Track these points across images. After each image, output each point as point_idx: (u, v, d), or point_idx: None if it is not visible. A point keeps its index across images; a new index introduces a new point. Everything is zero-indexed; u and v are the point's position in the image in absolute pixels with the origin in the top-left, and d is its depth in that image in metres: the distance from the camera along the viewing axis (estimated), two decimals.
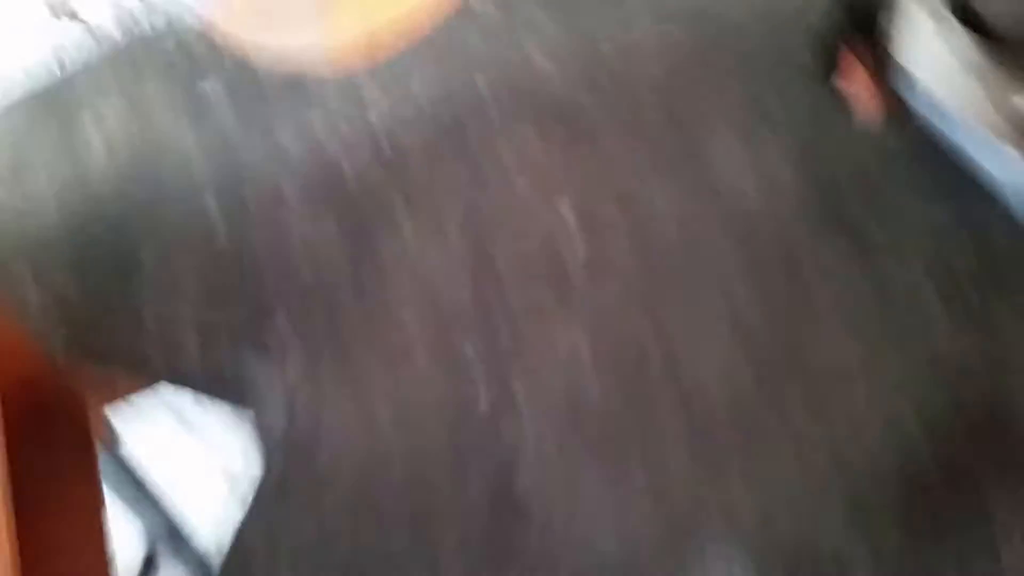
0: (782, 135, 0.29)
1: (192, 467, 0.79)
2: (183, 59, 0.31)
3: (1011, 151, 0.26)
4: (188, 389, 0.31)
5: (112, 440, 0.69)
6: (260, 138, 0.30)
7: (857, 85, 0.31)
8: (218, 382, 0.30)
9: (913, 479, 0.26)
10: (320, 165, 0.29)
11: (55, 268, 0.30)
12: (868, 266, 0.27)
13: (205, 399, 0.31)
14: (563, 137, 0.29)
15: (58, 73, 0.33)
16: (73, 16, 0.68)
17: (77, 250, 0.30)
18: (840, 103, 0.29)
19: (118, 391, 0.37)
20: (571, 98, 0.30)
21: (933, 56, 0.27)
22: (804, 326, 0.26)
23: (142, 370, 0.31)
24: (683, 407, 0.26)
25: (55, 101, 0.32)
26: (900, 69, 0.27)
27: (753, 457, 0.26)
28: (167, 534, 0.74)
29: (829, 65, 0.32)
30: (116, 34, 0.33)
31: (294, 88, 0.30)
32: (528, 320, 0.27)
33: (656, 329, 0.26)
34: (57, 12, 0.68)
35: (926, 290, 0.26)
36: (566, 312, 0.27)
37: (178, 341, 0.29)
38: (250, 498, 0.29)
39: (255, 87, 0.30)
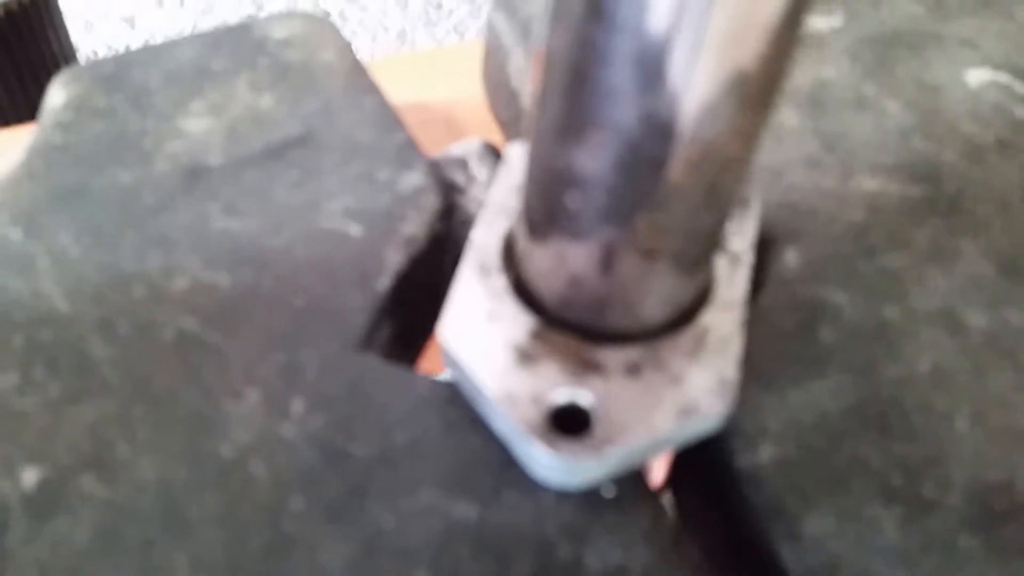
0: (315, 407, 0.26)
1: None
2: None
3: (542, 450, 0.24)
4: None
5: None
6: None
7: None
8: None
9: None
10: None
11: None
12: (368, 571, 0.23)
13: None
14: (54, 392, 0.25)
15: None
16: None
17: None
18: (395, 379, 0.27)
19: None
20: (77, 345, 0.26)
21: (480, 336, 0.26)
22: None
23: None
24: None
25: None
26: (447, 353, 0.26)
27: None
28: None
29: (401, 339, 0.30)
30: None
31: None
32: None
33: None
34: None
35: None
36: None
37: None
38: None
39: None
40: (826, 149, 0.33)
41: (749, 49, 0.20)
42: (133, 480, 0.24)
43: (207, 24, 0.99)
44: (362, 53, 1.06)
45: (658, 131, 0.21)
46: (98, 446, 0.24)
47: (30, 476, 0.24)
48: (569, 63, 0.21)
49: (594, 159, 0.22)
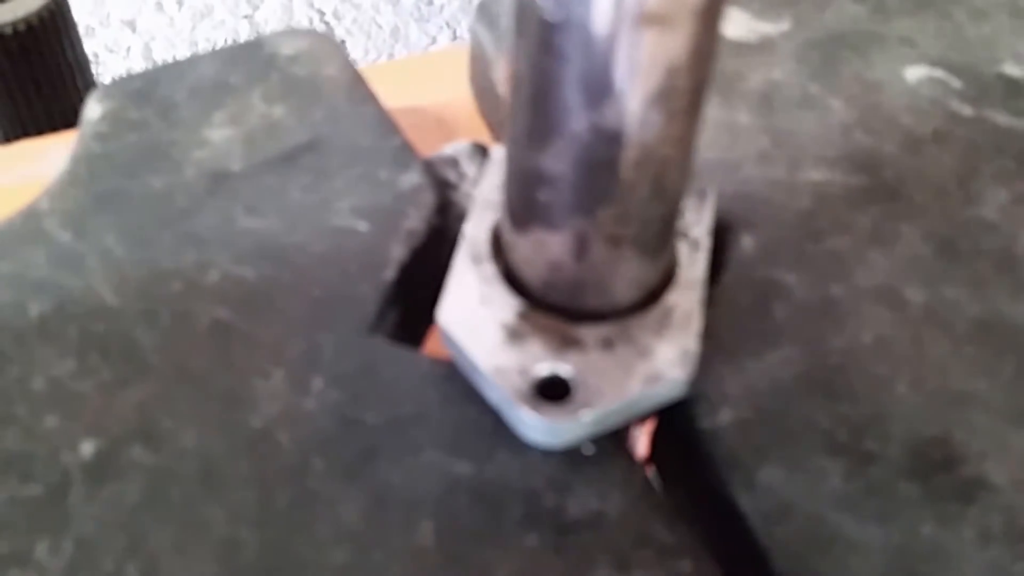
0: (332, 384, 0.29)
1: None
2: None
3: (529, 414, 0.27)
4: None
5: None
6: None
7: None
8: None
9: None
10: None
11: None
12: (380, 520, 0.27)
13: None
14: (106, 375, 0.29)
15: None
16: None
17: None
18: (400, 358, 0.31)
19: None
20: (125, 333, 0.30)
21: (473, 317, 0.29)
22: None
23: None
24: None
25: None
26: (445, 333, 0.29)
27: None
28: None
29: (405, 322, 0.33)
30: None
31: None
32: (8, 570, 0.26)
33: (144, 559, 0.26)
34: None
35: (431, 548, 0.27)
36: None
37: None
38: None
39: None
40: (776, 144, 0.37)
41: (670, 75, 0.24)
42: (176, 449, 0.28)
43: (206, 27, 1.02)
44: (357, 51, 1.10)
45: (605, 138, 0.25)
46: (145, 420, 0.28)
47: (87, 447, 0.28)
48: (530, 85, 0.25)
49: (557, 161, 0.26)
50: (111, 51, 1.00)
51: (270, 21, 1.03)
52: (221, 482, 0.27)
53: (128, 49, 1.01)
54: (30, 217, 0.33)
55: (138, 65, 1.02)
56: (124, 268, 0.32)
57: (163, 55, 1.02)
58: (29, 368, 0.29)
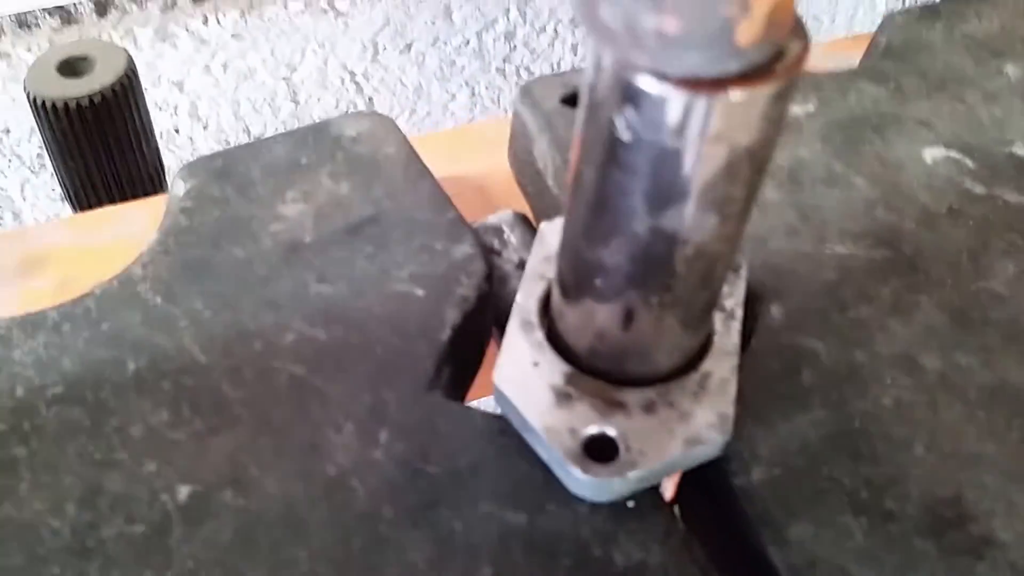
0: (397, 436, 0.32)
1: None
2: None
3: (579, 473, 0.30)
4: None
5: None
6: None
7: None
8: None
9: None
10: None
11: None
12: (444, 565, 0.30)
13: None
14: (198, 425, 0.32)
15: None
16: None
17: None
18: (457, 414, 0.34)
19: None
20: (214, 389, 0.33)
21: (526, 380, 0.32)
22: None
23: None
24: None
25: None
26: (500, 393, 0.32)
27: None
28: None
29: (456, 378, 0.37)
30: None
31: None
32: None
33: None
34: None
35: None
36: None
37: None
38: None
39: None
40: (802, 219, 0.40)
41: (729, 187, 0.27)
42: (262, 494, 0.31)
43: (248, 87, 1.06)
44: (383, 107, 1.14)
45: (663, 238, 0.28)
46: (234, 468, 0.31)
47: (183, 491, 0.31)
48: (594, 190, 0.28)
49: (614, 256, 0.29)
50: (160, 109, 1.04)
51: (306, 82, 1.08)
52: (303, 525, 0.30)
53: (175, 107, 1.05)
54: (126, 283, 0.36)
55: (184, 122, 1.06)
56: (211, 329, 0.35)
57: (207, 112, 1.06)
58: (128, 418, 0.32)
